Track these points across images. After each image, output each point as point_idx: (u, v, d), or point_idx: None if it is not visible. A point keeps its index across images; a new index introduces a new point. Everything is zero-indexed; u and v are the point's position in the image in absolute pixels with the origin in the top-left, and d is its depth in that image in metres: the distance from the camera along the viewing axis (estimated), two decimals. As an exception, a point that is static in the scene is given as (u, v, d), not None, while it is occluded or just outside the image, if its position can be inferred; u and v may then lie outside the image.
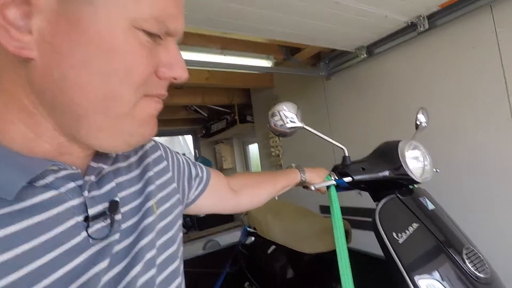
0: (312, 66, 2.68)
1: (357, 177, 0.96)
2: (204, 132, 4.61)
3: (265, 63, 2.35)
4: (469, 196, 1.64)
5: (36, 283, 0.32)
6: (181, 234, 0.59)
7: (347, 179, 0.97)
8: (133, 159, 0.53)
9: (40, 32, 0.31)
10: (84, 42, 0.32)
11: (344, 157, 1.02)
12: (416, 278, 0.82)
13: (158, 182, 0.54)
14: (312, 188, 0.95)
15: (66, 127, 0.36)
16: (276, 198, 2.12)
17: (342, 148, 1.02)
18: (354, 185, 1.00)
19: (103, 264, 0.38)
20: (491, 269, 0.86)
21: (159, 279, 0.48)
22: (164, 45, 0.39)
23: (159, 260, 0.49)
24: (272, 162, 3.39)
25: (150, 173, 0.53)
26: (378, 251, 0.94)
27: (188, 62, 1.89)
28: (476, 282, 0.81)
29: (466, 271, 0.83)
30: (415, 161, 0.99)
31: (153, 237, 0.47)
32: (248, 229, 1.77)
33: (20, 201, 0.33)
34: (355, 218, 2.08)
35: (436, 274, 0.82)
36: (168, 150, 0.64)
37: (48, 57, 0.32)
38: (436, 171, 1.18)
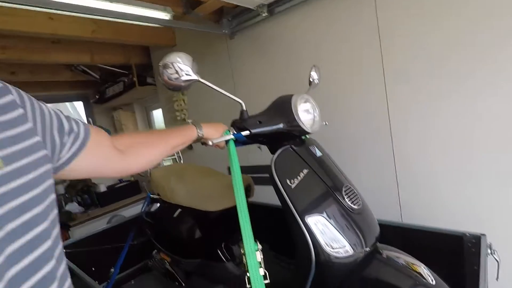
0: (215, 23, 2.56)
1: (254, 130, 0.98)
2: (97, 97, 4.05)
3: (163, 15, 2.12)
4: (349, 144, 1.91)
5: None
6: (52, 198, 0.50)
7: (245, 132, 0.97)
8: None
9: None
10: None
11: (242, 112, 1.01)
12: (305, 217, 0.92)
13: (7, 133, 0.45)
14: (210, 143, 0.92)
15: None
16: (181, 161, 2.05)
17: (239, 103, 1.00)
18: (252, 139, 1.02)
19: None
20: (362, 201, 1.02)
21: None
22: None
23: (8, 227, 0.41)
24: (179, 127, 3.24)
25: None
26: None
27: (61, 6, 1.54)
28: (352, 213, 0.96)
29: (344, 205, 0.96)
30: (306, 114, 1.06)
31: None
32: (152, 195, 1.68)
33: None
34: (259, 176, 2.22)
35: (321, 211, 0.93)
36: (26, 96, 0.52)
37: None
38: (325, 124, 1.30)
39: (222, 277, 1.39)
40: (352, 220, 0.94)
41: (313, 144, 1.10)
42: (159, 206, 1.66)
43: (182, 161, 2.01)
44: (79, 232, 3.32)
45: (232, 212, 1.37)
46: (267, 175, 1.02)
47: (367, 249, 0.93)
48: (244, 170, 1.53)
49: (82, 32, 2.30)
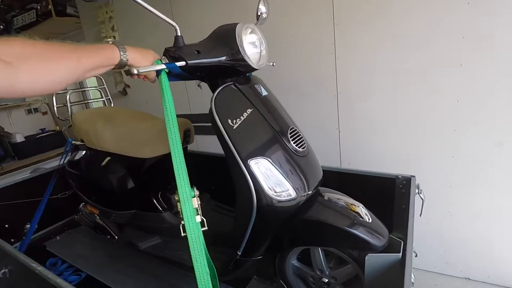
0: None
1: (191, 61, 0.82)
2: (2, 27, 3.30)
3: None
4: (293, 87, 1.86)
5: None
6: None
7: (180, 63, 0.82)
8: None
9: None
10: None
11: (177, 38, 0.84)
12: (246, 158, 0.84)
13: None
14: (135, 71, 0.75)
15: None
16: (112, 105, 1.79)
17: (173, 26, 0.83)
18: (189, 72, 0.87)
19: None
20: (307, 144, 0.98)
21: None
22: None
23: None
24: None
25: None
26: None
27: None
28: (296, 156, 0.91)
29: (289, 148, 0.90)
30: (252, 47, 0.93)
31: None
32: (74, 142, 1.45)
33: None
34: (202, 125, 2.07)
35: (265, 154, 0.86)
36: None
37: None
38: (273, 64, 1.19)
39: (159, 228, 1.31)
40: (296, 164, 0.89)
41: (258, 83, 0.99)
42: (84, 154, 1.44)
43: (112, 105, 1.76)
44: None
45: (167, 159, 1.25)
46: (206, 124, 0.90)
47: (310, 192, 0.90)
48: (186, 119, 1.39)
49: None
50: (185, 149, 1.37)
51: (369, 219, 0.90)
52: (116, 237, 1.45)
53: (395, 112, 1.60)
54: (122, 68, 0.75)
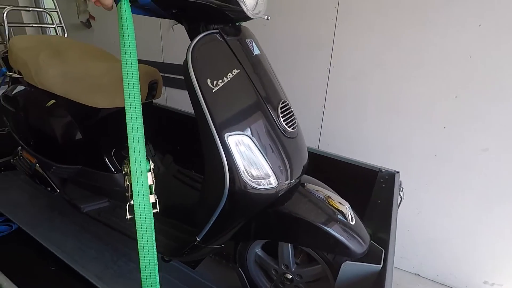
0: None
1: (166, -11, 0.60)
2: None
3: None
4: (285, 50, 1.65)
5: None
6: None
7: (150, -11, 0.59)
8: None
9: None
10: None
11: (150, -48, 0.60)
12: (224, 132, 0.67)
13: None
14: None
15: None
16: (65, 36, 1.48)
17: None
18: (160, 4, 0.64)
19: None
20: (298, 123, 0.82)
21: None
22: None
23: None
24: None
25: None
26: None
27: None
28: (284, 136, 0.75)
29: (277, 125, 0.73)
30: (249, -12, 0.71)
31: None
32: (9, 73, 1.16)
33: None
34: (170, 76, 1.81)
35: (247, 128, 0.69)
36: None
37: None
38: (267, 18, 0.97)
39: (107, 190, 1.12)
40: (282, 146, 0.74)
41: (250, 37, 0.79)
42: (23, 90, 1.17)
43: (66, 36, 1.44)
44: None
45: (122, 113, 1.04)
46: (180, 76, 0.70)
47: (292, 181, 0.76)
48: (153, 66, 1.15)
49: None
50: (149, 104, 1.15)
51: (352, 221, 0.79)
52: (58, 190, 1.25)
53: (388, 98, 1.47)
54: None
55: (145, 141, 0.61)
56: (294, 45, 1.62)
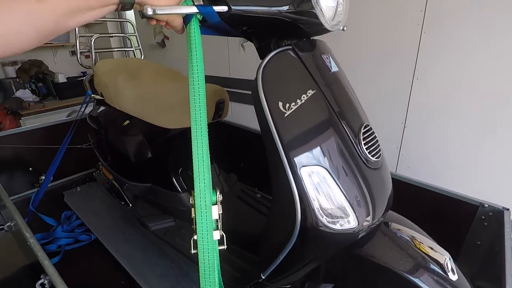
0: None
1: (237, 7, 0.55)
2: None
3: None
4: (364, 63, 1.50)
5: None
6: None
7: (220, 8, 0.54)
8: None
9: None
10: None
11: (221, -31, 0.56)
12: (297, 163, 0.58)
13: None
14: (150, 12, 0.49)
15: None
16: (142, 57, 1.58)
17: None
18: (230, 23, 0.60)
19: None
20: (382, 152, 0.69)
21: None
22: None
23: None
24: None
25: None
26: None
27: None
28: (366, 166, 0.63)
29: (359, 154, 0.62)
30: (327, -3, 0.63)
31: None
32: (93, 96, 1.27)
33: None
34: (235, 91, 1.79)
35: (323, 159, 0.59)
36: None
37: None
38: (343, 29, 0.87)
39: (174, 209, 1.12)
40: (364, 179, 0.62)
41: (327, 52, 0.69)
42: (103, 110, 1.26)
43: (143, 57, 1.54)
44: (31, 123, 2.95)
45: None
46: (245, 90, 0.64)
47: (375, 221, 0.63)
48: (220, 82, 1.14)
49: None
50: (215, 123, 1.13)
51: (454, 275, 0.62)
52: (130, 205, 1.30)
53: (484, 118, 1.22)
54: (130, 8, 0.50)
55: (210, 161, 0.57)
56: (372, 51, 1.47)
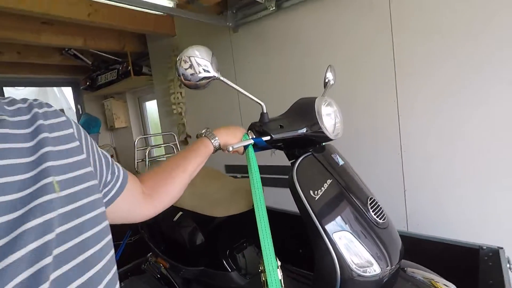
0: (218, 14, 2.44)
1: (276, 136, 0.89)
2: (88, 84, 3.86)
3: (165, 2, 1.99)
4: (354, 144, 1.85)
5: None
6: (105, 224, 0.50)
7: (266, 138, 0.89)
8: (17, 118, 0.45)
9: None
10: None
11: (262, 114, 0.93)
12: (330, 231, 0.84)
13: (65, 161, 0.47)
14: (231, 148, 0.83)
15: None
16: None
17: (260, 104, 0.92)
18: (271, 144, 0.93)
19: None
20: (386, 214, 0.96)
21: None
22: None
23: (57, 251, 0.39)
24: (174, 121, 3.12)
25: (49, 148, 0.45)
26: (290, 207, 0.93)
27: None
28: (377, 227, 0.89)
29: (370, 219, 0.89)
30: (328, 118, 0.98)
31: (50, 220, 0.39)
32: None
33: None
34: (266, 176, 2.12)
35: (347, 226, 0.86)
36: (82, 131, 0.55)
37: None
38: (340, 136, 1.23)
39: (225, 287, 1.31)
40: (377, 237, 0.87)
41: (334, 152, 1.03)
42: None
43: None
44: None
45: (237, 219, 1.30)
46: (275, 175, 0.94)
47: (393, 267, 0.87)
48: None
49: (77, 15, 2.14)
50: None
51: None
52: (183, 290, 1.48)
53: (466, 171, 1.51)
54: (218, 150, 0.85)
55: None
56: (363, 136, 1.83)
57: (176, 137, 2.05)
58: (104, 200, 0.59)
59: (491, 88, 1.41)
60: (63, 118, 0.52)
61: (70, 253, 0.41)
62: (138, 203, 0.70)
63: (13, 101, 0.47)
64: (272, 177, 2.00)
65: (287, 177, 0.95)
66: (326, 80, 1.26)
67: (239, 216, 1.26)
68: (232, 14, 2.38)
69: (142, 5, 1.87)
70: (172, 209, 1.44)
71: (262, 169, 2.10)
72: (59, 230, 0.41)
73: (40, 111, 0.49)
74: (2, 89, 3.65)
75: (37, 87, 4.32)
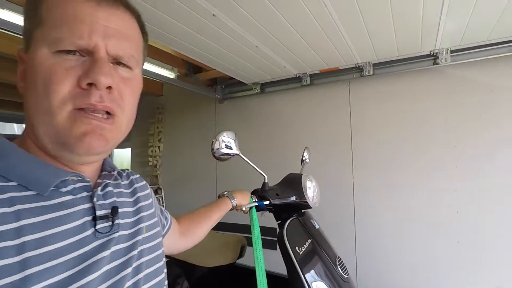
0: (207, 86, 2.83)
1: (274, 201, 1.18)
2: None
3: (167, 73, 2.33)
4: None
5: (54, 259, 0.42)
6: (164, 260, 0.66)
7: (266, 202, 1.17)
8: (124, 182, 0.66)
9: (25, 77, 0.47)
10: (31, 73, 0.46)
11: (264, 183, 1.22)
12: (309, 280, 1.10)
13: (147, 212, 0.66)
14: (244, 208, 1.09)
15: (41, 135, 0.47)
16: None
17: (263, 175, 1.21)
18: (268, 207, 1.21)
19: (105, 253, 0.48)
20: (348, 271, 1.24)
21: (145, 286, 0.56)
22: (90, 60, 0.46)
23: (147, 271, 0.57)
24: (147, 172, 3.23)
25: (142, 204, 0.65)
26: (274, 269, 1.16)
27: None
28: (342, 281, 1.17)
29: (338, 274, 1.17)
30: (310, 191, 1.31)
31: (141, 251, 0.57)
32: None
33: (50, 199, 0.45)
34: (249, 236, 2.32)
35: (322, 277, 1.12)
36: (151, 191, 0.75)
37: (24, 88, 0.48)
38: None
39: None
40: (343, 286, 1.14)
41: (312, 218, 1.33)
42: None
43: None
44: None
45: (223, 269, 1.47)
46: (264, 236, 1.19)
47: (354, 313, 1.12)
48: (238, 228, 1.66)
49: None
50: (234, 266, 1.59)
51: None
52: None
53: (417, 244, 1.90)
54: (234, 209, 1.11)
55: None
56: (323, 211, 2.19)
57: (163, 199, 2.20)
58: None
59: (430, 168, 1.90)
60: (144, 182, 0.73)
61: (148, 277, 0.57)
62: (177, 239, 0.90)
63: (121, 171, 0.70)
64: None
65: (268, 238, 1.21)
66: (303, 159, 1.62)
67: (225, 267, 1.44)
68: (220, 88, 2.80)
69: (149, 74, 2.18)
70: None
71: (244, 228, 2.32)
72: (143, 260, 0.58)
73: (133, 177, 0.72)
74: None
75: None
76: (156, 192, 3.10)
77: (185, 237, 0.94)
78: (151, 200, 0.71)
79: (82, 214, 0.48)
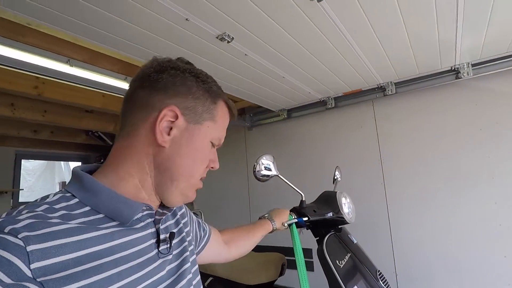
0: (237, 115, 3.02)
1: (312, 218, 1.26)
2: (102, 160, 4.17)
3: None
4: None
5: (126, 277, 0.50)
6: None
7: (305, 218, 1.25)
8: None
9: (174, 136, 0.59)
10: (190, 144, 0.61)
11: (302, 201, 1.31)
12: (353, 293, 1.14)
13: (186, 229, 0.74)
14: (283, 227, 1.18)
15: (160, 186, 0.60)
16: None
17: (300, 194, 1.31)
18: (306, 223, 1.29)
19: (161, 273, 0.57)
20: (390, 285, 1.27)
21: None
22: (213, 150, 0.68)
23: (193, 282, 0.65)
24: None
25: (182, 222, 0.73)
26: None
27: (111, 88, 1.94)
28: (385, 294, 1.20)
29: (379, 286, 1.20)
30: (345, 207, 1.38)
31: (187, 267, 0.65)
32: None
33: (125, 226, 0.55)
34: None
35: (364, 289, 1.17)
36: (186, 207, 0.82)
37: (173, 148, 0.60)
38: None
39: None
40: (386, 300, 1.18)
41: (349, 233, 1.39)
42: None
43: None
44: None
45: (264, 287, 1.54)
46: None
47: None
48: (277, 250, 1.74)
49: (112, 106, 2.56)
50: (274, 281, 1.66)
51: None
52: None
53: (457, 260, 1.86)
54: (275, 230, 1.19)
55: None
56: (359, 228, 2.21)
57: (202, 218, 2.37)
58: (199, 247, 0.84)
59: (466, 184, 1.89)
60: (184, 209, 0.79)
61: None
62: (221, 248, 0.97)
63: None
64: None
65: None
66: (335, 177, 1.70)
67: (267, 284, 1.51)
68: (249, 117, 2.97)
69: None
70: (203, 275, 1.66)
71: (285, 250, 2.39)
72: (190, 275, 0.64)
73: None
74: (20, 161, 3.91)
75: (50, 160, 4.57)
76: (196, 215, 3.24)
77: (228, 248, 1.01)
78: (186, 218, 0.77)
79: (149, 237, 0.58)
